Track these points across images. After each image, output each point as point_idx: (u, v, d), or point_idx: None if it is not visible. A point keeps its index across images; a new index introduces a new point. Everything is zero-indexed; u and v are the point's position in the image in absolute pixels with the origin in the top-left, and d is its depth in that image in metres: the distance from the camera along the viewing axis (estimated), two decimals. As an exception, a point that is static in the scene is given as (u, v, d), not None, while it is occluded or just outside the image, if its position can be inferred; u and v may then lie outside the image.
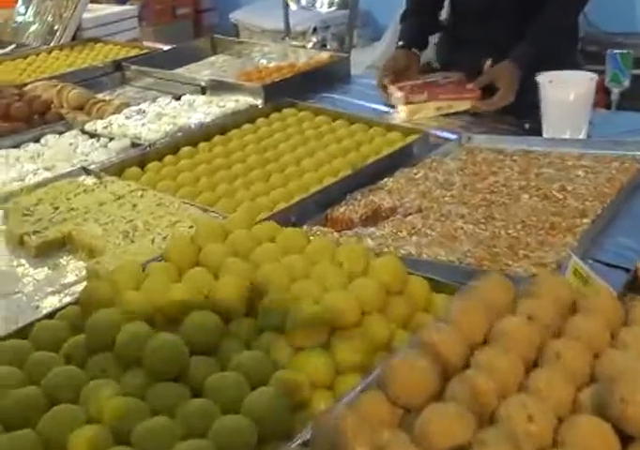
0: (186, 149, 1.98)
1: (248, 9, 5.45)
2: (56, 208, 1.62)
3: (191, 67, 2.92)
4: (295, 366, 1.07)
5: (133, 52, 3.01)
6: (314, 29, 5.16)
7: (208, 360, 1.06)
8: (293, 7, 4.38)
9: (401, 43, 2.50)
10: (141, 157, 1.95)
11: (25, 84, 2.58)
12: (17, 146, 2.12)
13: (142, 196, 1.65)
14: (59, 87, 2.44)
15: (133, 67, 2.79)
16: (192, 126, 2.18)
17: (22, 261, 1.47)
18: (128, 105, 2.39)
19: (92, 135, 2.16)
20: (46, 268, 1.44)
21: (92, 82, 2.70)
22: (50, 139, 2.15)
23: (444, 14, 2.60)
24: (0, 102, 2.23)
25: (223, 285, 1.18)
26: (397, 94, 2.29)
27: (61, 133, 2.20)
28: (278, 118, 2.22)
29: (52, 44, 3.15)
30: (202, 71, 2.86)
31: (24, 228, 1.53)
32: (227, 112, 2.29)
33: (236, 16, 5.37)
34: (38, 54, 3.03)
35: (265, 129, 2.13)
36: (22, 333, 1.17)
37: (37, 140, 2.16)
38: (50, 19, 3.22)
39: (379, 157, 1.93)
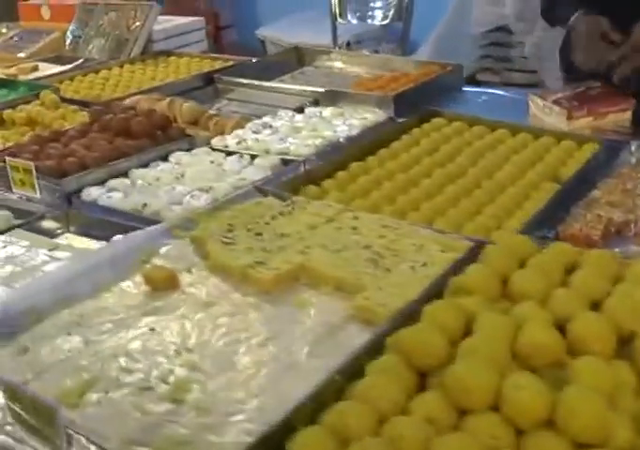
0: (356, 164, 1.73)
1: (273, 26, 5.23)
2: (259, 234, 1.35)
3: (285, 79, 2.67)
4: None
5: (216, 65, 2.75)
6: (348, 44, 4.98)
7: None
8: (341, 20, 4.17)
9: None
10: (307, 174, 1.70)
11: (118, 99, 2.31)
12: (145, 166, 1.85)
13: (356, 217, 1.40)
14: (168, 101, 2.18)
15: (226, 78, 2.54)
16: (341, 139, 1.94)
17: (251, 299, 1.19)
18: (248, 119, 2.13)
19: (229, 152, 1.89)
20: (293, 308, 1.16)
21: (184, 97, 2.43)
22: (181, 157, 1.88)
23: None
24: (117, 117, 1.95)
25: (588, 324, 0.94)
26: (555, 108, 2.09)
27: (187, 150, 1.93)
28: (432, 129, 1.98)
29: (121, 58, 2.88)
30: (297, 83, 2.61)
31: (240, 259, 1.26)
32: (367, 124, 2.05)
33: (262, 32, 5.14)
34: (109, 69, 2.75)
35: (427, 141, 1.89)
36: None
37: (163, 158, 1.90)
38: (116, 32, 2.95)
39: (580, 168, 1.71)
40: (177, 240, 1.38)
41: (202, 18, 3.17)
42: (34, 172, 1.77)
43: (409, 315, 1.05)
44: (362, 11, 4.07)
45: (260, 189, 1.57)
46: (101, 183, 1.77)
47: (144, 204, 1.59)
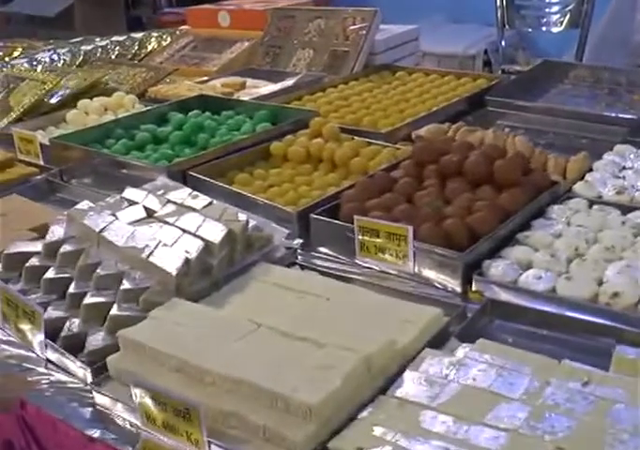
0: None
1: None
2: None
3: (551, 97, 2.29)
4: None
5: (465, 83, 2.35)
6: (485, 52, 4.63)
7: None
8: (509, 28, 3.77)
9: None
10: None
11: (398, 130, 1.92)
12: (523, 226, 1.46)
13: None
14: (492, 133, 1.78)
15: (499, 100, 2.15)
16: None
17: None
18: (587, 156, 1.74)
19: (619, 206, 1.50)
20: None
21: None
22: (565, 213, 1.49)
23: None
24: (473, 160, 1.53)
25: None
26: None
27: (551, 201, 1.54)
28: None
29: (341, 73, 2.47)
30: (570, 102, 2.23)
31: None
32: None
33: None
34: (335, 86, 2.35)
35: None
36: None
37: (538, 214, 1.51)
38: (328, 42, 2.54)
39: None
40: None
41: (416, 26, 2.76)
42: (410, 237, 1.38)
43: None
44: (533, 18, 3.67)
45: None
46: (493, 253, 1.38)
47: (615, 294, 1.20)
